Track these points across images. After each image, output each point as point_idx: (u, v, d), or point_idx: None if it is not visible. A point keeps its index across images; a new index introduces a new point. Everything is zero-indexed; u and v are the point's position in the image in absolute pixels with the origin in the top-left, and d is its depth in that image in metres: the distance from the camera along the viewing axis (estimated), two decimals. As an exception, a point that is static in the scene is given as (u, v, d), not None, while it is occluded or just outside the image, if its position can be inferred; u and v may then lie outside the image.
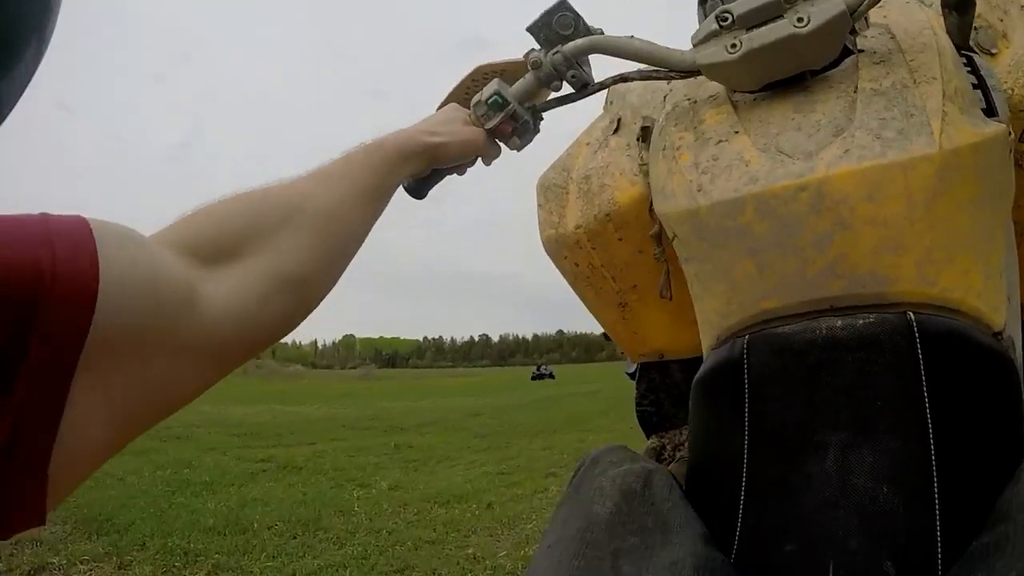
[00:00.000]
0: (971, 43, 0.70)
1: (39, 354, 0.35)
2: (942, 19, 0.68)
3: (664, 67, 0.74)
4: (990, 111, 0.67)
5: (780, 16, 0.64)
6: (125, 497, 4.93)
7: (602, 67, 0.81)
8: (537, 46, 0.78)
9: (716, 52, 0.68)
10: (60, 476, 0.38)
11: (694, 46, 0.71)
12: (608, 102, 1.04)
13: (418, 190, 0.83)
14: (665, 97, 0.88)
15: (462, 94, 0.86)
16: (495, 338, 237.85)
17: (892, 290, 0.58)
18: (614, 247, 0.93)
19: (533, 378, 42.09)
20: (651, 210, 0.83)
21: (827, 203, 0.59)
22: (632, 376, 1.26)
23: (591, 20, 0.77)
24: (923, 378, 0.55)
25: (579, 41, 0.76)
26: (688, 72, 0.73)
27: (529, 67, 0.78)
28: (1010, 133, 0.67)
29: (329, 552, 3.81)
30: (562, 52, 0.76)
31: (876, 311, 0.58)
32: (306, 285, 0.56)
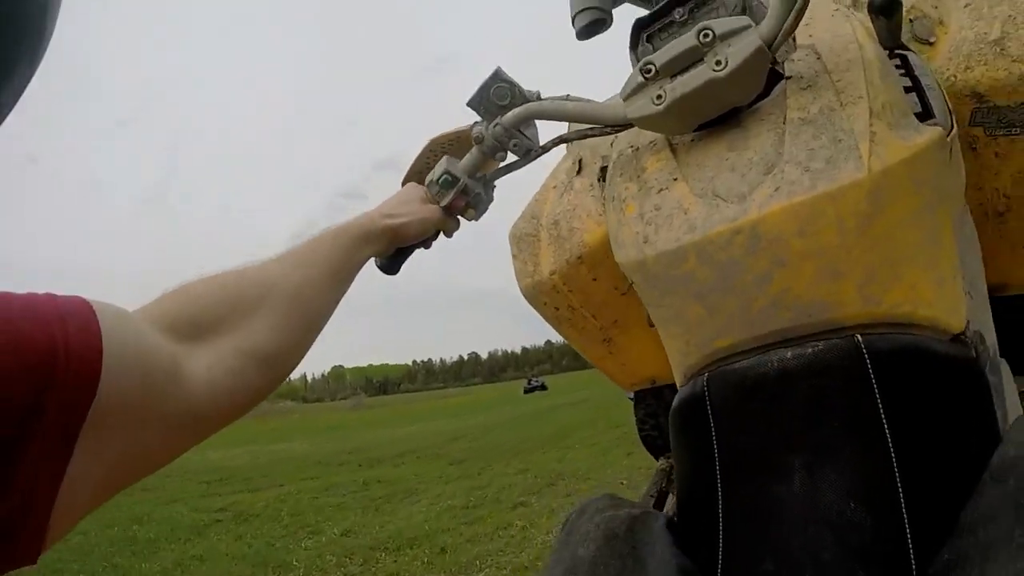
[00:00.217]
0: (908, 36, 0.72)
1: (51, 419, 0.39)
2: (868, 24, 0.69)
3: (599, 123, 0.77)
4: (926, 113, 0.67)
5: (700, 61, 0.65)
6: (63, 560, 4.73)
7: (549, 125, 0.85)
8: (479, 119, 0.83)
9: (644, 105, 0.68)
10: (54, 527, 0.41)
11: (624, 100, 0.71)
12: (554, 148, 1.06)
13: (389, 267, 0.87)
14: (612, 143, 0.88)
15: (423, 164, 0.90)
16: (484, 355, 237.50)
17: (838, 315, 0.59)
18: (590, 288, 0.95)
19: (526, 391, 42.50)
20: None
21: (762, 244, 0.60)
22: (632, 400, 1.28)
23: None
24: (877, 395, 0.56)
25: (516, 110, 0.80)
26: (622, 126, 0.75)
27: (473, 142, 0.82)
28: (952, 127, 0.67)
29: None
30: (501, 124, 0.80)
31: (825, 337, 0.59)
32: (277, 360, 0.61)
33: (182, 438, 0.52)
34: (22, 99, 0.40)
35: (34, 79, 0.40)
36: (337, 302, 0.71)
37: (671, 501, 1.07)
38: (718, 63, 0.63)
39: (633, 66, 0.75)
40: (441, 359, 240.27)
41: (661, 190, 0.69)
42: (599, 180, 0.91)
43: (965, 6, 0.77)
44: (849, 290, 0.58)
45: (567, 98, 0.79)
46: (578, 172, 0.99)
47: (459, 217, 0.87)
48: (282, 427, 23.66)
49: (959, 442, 0.57)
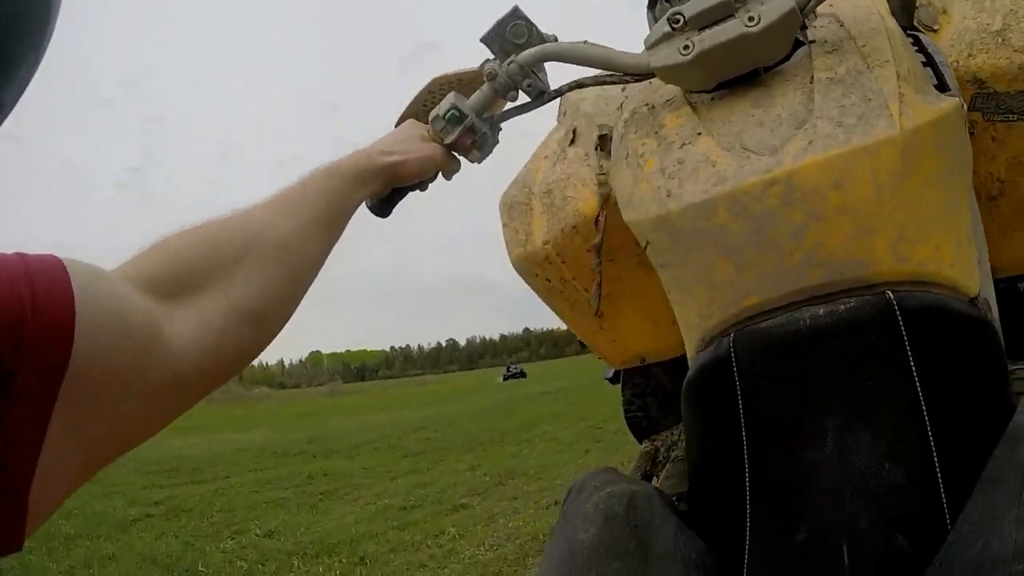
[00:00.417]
0: (914, 21, 0.74)
1: (22, 387, 0.37)
2: (885, 2, 0.72)
3: (618, 71, 0.76)
4: (942, 87, 0.68)
5: (731, 16, 0.65)
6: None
7: (557, 73, 0.84)
8: (492, 56, 0.80)
9: (669, 54, 0.68)
10: (35, 508, 0.39)
11: (647, 49, 0.70)
12: (561, 113, 1.04)
13: (381, 209, 0.82)
14: (621, 105, 0.90)
15: (420, 106, 0.86)
16: (463, 342, 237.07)
17: (869, 272, 0.59)
18: (584, 259, 0.92)
19: (505, 378, 42.87)
20: (596, 221, 0.87)
21: (798, 195, 0.59)
22: (611, 380, 1.22)
23: (549, 24, 0.79)
24: (909, 353, 0.55)
25: (533, 49, 0.78)
26: (642, 75, 0.74)
27: (485, 78, 0.79)
28: (963, 104, 0.68)
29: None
30: (517, 62, 0.78)
31: (856, 294, 0.59)
32: (264, 318, 0.57)
33: (168, 404, 0.49)
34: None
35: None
36: (330, 249, 0.66)
37: (655, 484, 1.05)
38: (751, 19, 0.63)
39: (650, 25, 0.78)
40: (419, 345, 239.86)
41: (684, 144, 0.68)
42: (597, 149, 0.89)
43: None
44: (882, 247, 0.58)
45: (585, 43, 0.77)
46: (571, 142, 0.98)
47: (461, 158, 0.83)
48: (251, 414, 23.22)
49: (981, 402, 0.58)
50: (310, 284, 0.63)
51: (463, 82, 0.83)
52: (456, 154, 0.81)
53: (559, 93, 0.81)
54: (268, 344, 0.59)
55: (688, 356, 0.72)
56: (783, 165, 0.59)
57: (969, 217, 0.66)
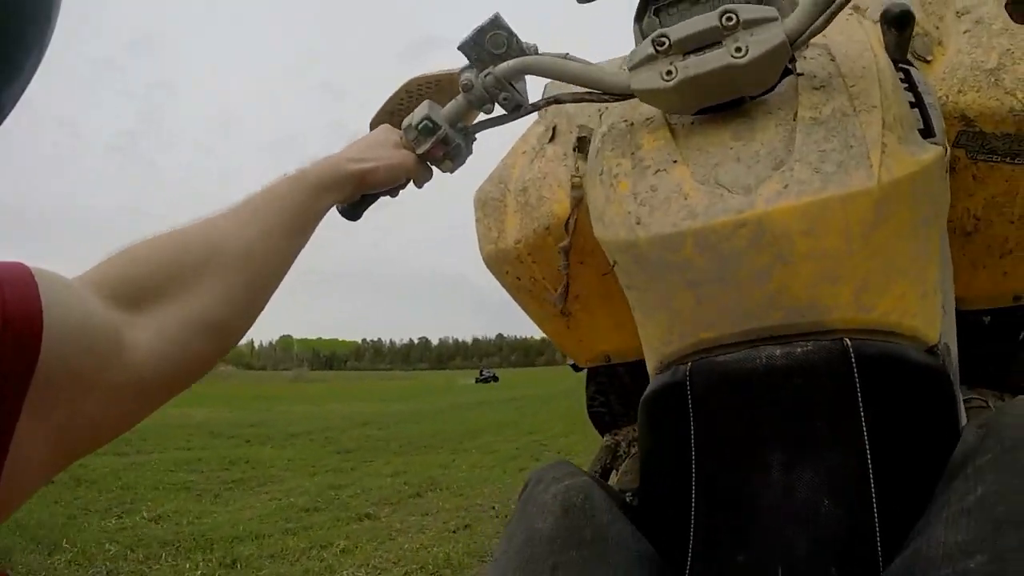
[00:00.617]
0: (908, 51, 0.71)
1: None
2: (880, 34, 0.69)
3: (598, 89, 0.73)
4: (927, 131, 0.67)
5: (718, 43, 0.63)
6: None
7: (537, 82, 0.84)
8: (469, 64, 0.78)
9: (650, 78, 0.66)
10: (1, 505, 0.41)
11: (629, 69, 0.69)
12: (543, 109, 0.99)
13: (351, 213, 0.81)
14: (601, 114, 0.86)
15: (396, 104, 0.84)
16: (435, 341, 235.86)
17: (830, 318, 0.59)
18: (555, 260, 0.92)
19: (477, 381, 44.57)
20: (567, 224, 0.87)
21: (767, 238, 0.59)
22: (575, 368, 1.20)
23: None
24: (859, 398, 0.56)
25: (511, 62, 0.75)
26: (622, 96, 0.72)
27: (461, 89, 0.77)
28: (946, 149, 0.68)
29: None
30: (494, 74, 0.75)
31: (814, 338, 0.59)
32: (226, 327, 0.58)
33: (131, 408, 0.51)
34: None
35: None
36: (294, 257, 0.66)
37: (614, 478, 1.08)
38: (738, 50, 0.61)
39: (636, 38, 0.76)
40: (391, 340, 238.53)
41: (658, 171, 0.67)
42: (574, 150, 0.88)
43: (965, 32, 0.78)
44: (845, 294, 0.59)
45: (567, 57, 0.76)
46: (551, 139, 0.98)
47: (433, 167, 0.82)
48: (208, 392, 22.68)
49: (928, 445, 0.59)
50: (274, 290, 0.64)
51: (440, 84, 0.82)
52: (429, 164, 0.80)
53: (536, 108, 0.80)
54: (226, 353, 0.60)
55: (648, 371, 0.72)
56: (755, 207, 0.59)
57: (938, 265, 0.66)
